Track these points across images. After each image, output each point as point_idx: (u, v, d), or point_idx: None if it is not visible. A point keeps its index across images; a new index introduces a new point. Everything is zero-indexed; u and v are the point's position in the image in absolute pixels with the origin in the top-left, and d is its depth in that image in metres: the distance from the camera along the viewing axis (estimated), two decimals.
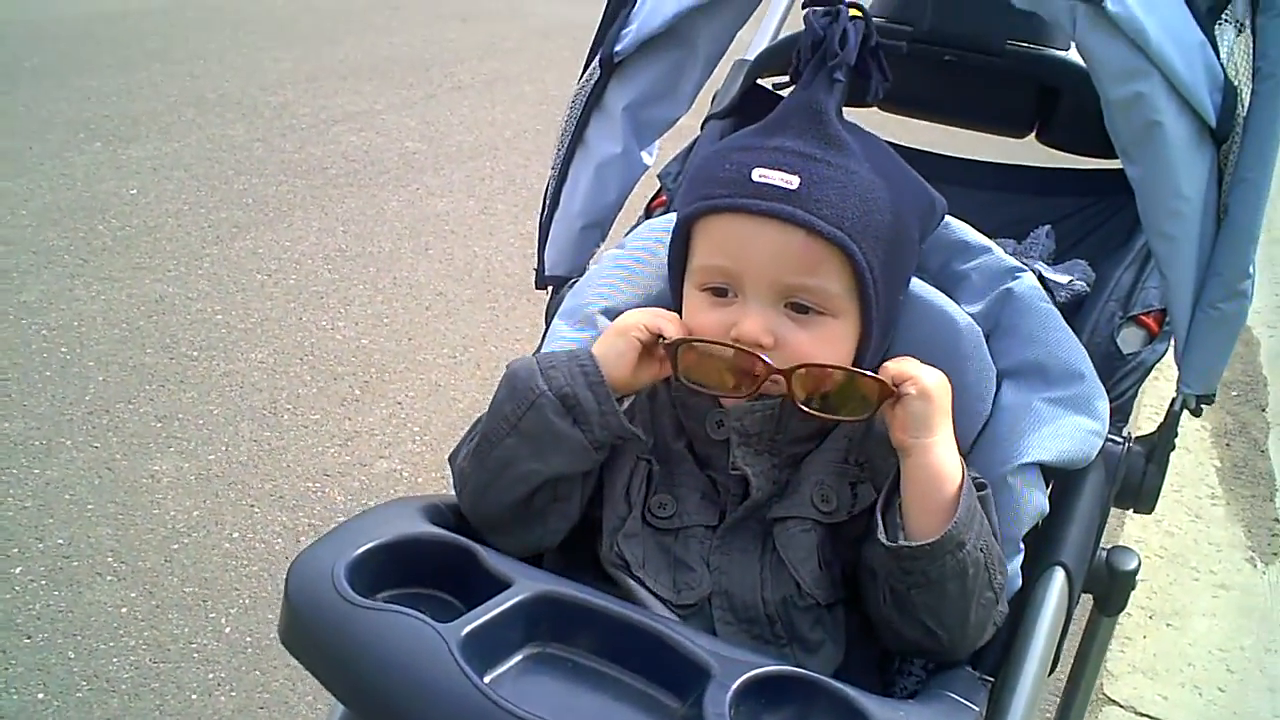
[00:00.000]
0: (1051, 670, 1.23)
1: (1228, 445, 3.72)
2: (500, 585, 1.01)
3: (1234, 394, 4.02)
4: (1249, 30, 1.25)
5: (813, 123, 1.17)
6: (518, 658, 0.99)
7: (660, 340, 1.18)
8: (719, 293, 1.19)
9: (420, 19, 8.04)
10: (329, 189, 4.86)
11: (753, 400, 1.18)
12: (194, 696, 2.25)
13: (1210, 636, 2.83)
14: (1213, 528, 3.30)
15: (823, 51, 1.18)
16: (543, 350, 1.35)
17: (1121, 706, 2.56)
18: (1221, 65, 1.24)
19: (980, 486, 1.16)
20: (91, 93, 5.62)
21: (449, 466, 1.25)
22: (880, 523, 1.13)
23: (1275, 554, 3.17)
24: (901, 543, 1.10)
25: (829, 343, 1.17)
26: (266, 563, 2.63)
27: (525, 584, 1.01)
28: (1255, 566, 3.13)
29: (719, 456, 1.22)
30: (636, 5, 1.41)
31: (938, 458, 1.12)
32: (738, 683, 0.93)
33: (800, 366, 1.12)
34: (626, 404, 1.20)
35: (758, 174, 1.15)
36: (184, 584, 2.54)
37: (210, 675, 2.30)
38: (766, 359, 1.13)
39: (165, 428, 3.11)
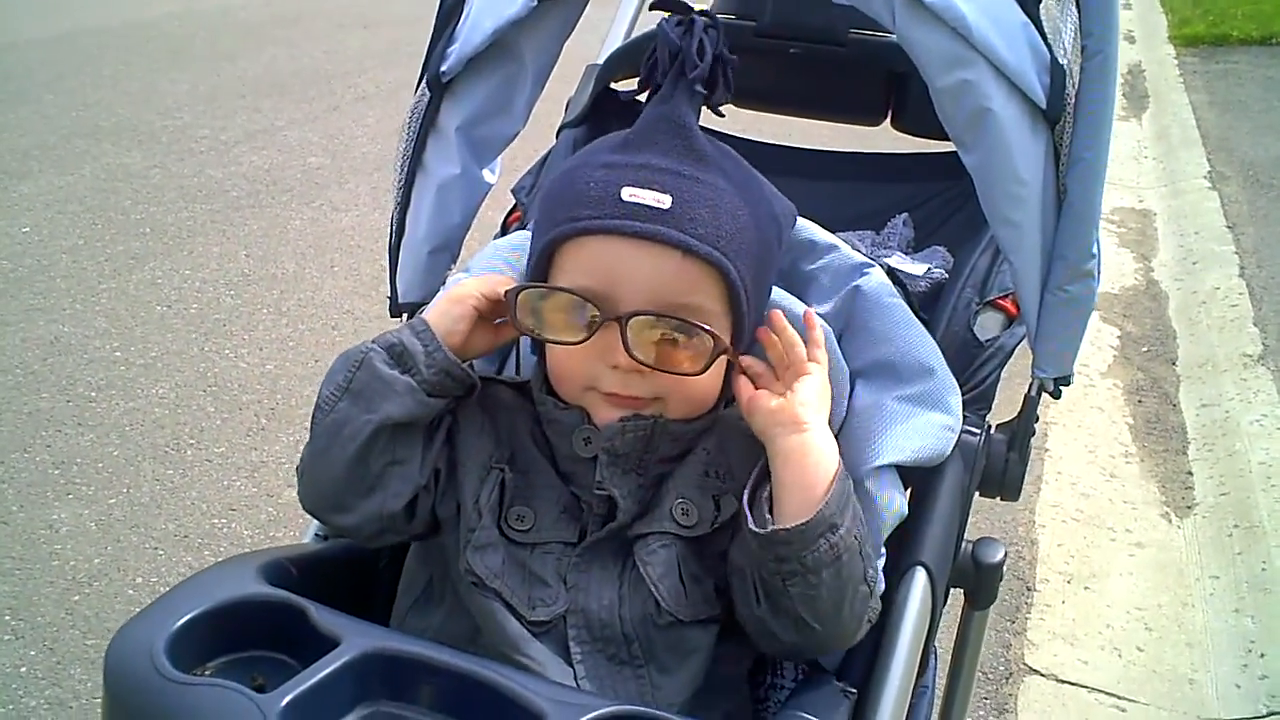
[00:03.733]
0: (921, 671, 1.21)
1: (1140, 402, 3.76)
2: (330, 644, 0.98)
3: (1144, 349, 4.06)
4: (1074, 6, 1.24)
5: (678, 138, 1.15)
6: (349, 719, 0.95)
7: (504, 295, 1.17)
8: (553, 340, 1.16)
9: (321, 30, 7.91)
10: (230, 212, 4.76)
11: (624, 421, 1.16)
12: None
13: (1128, 596, 2.86)
14: (1128, 486, 3.33)
15: (680, 63, 1.15)
16: None
17: (1043, 675, 2.58)
18: (1048, 44, 1.23)
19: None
20: None
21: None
22: (747, 513, 1.10)
23: (1189, 508, 3.21)
24: (773, 527, 1.08)
25: (703, 359, 1.14)
26: None
27: (354, 642, 0.97)
28: (1170, 522, 3.16)
29: (584, 474, 1.18)
30: (460, 22, 1.36)
31: (810, 439, 1.11)
32: None
33: (635, 313, 1.10)
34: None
35: (628, 193, 1.11)
36: (86, 636, 2.47)
37: None
38: (599, 306, 1.11)
39: (63, 474, 3.02)
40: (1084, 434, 3.56)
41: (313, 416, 1.15)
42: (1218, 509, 3.16)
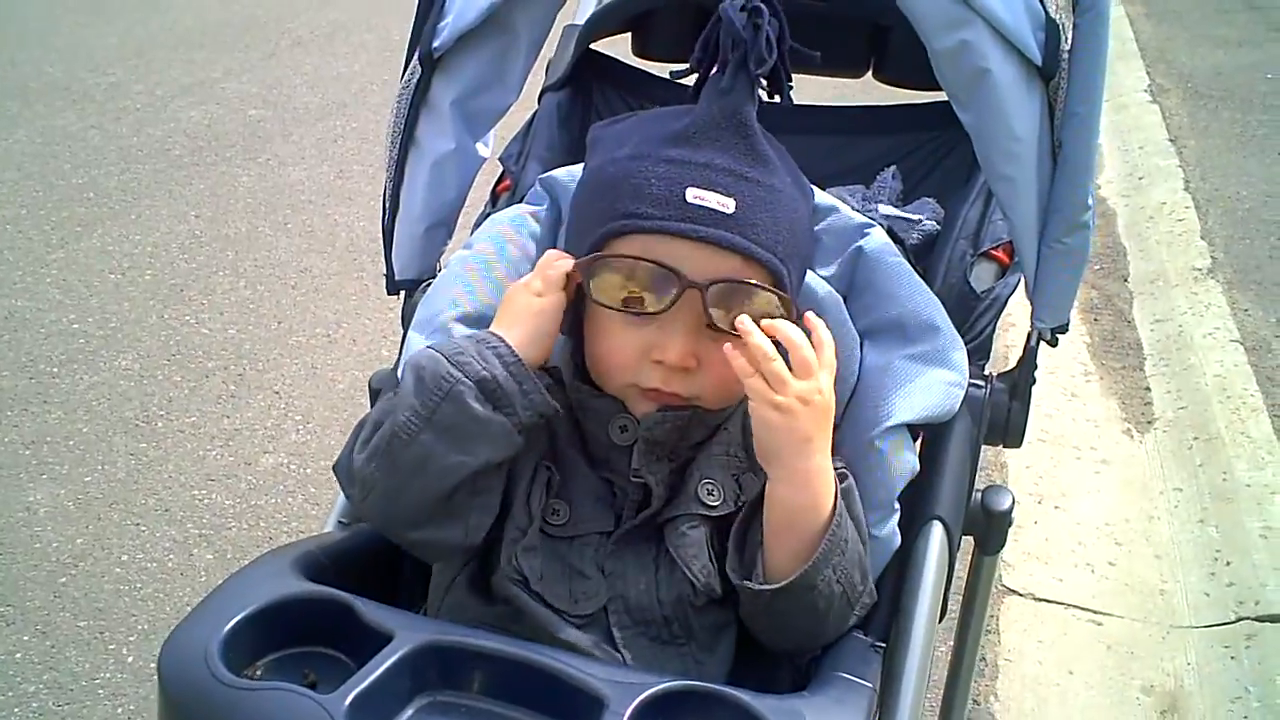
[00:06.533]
0: (941, 618, 1.25)
1: (1095, 320, 3.84)
2: (382, 639, 0.99)
3: (1097, 267, 4.14)
4: None
5: (740, 136, 1.15)
6: (409, 712, 0.97)
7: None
8: (636, 312, 1.15)
9: None
10: (174, 171, 4.66)
11: (664, 411, 1.17)
12: None
13: (1096, 513, 2.95)
14: (1089, 404, 3.42)
15: (742, 54, 1.13)
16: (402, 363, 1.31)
17: (1020, 595, 2.67)
18: (1041, 2, 1.24)
19: (841, 477, 1.17)
20: None
21: (335, 476, 1.19)
22: (732, 551, 1.14)
23: (1149, 423, 3.31)
24: (745, 584, 1.11)
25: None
26: (161, 582, 2.56)
27: (407, 635, 0.99)
28: (1132, 438, 3.26)
29: (618, 461, 1.20)
30: None
31: (812, 470, 1.10)
32: (630, 708, 0.93)
33: (718, 281, 1.11)
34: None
35: (692, 194, 1.12)
36: (77, 618, 2.46)
37: (119, 709, 2.25)
38: (685, 274, 1.11)
39: (35, 454, 2.98)
40: (1044, 354, 3.62)
41: (389, 445, 1.10)
42: (1177, 423, 3.26)
